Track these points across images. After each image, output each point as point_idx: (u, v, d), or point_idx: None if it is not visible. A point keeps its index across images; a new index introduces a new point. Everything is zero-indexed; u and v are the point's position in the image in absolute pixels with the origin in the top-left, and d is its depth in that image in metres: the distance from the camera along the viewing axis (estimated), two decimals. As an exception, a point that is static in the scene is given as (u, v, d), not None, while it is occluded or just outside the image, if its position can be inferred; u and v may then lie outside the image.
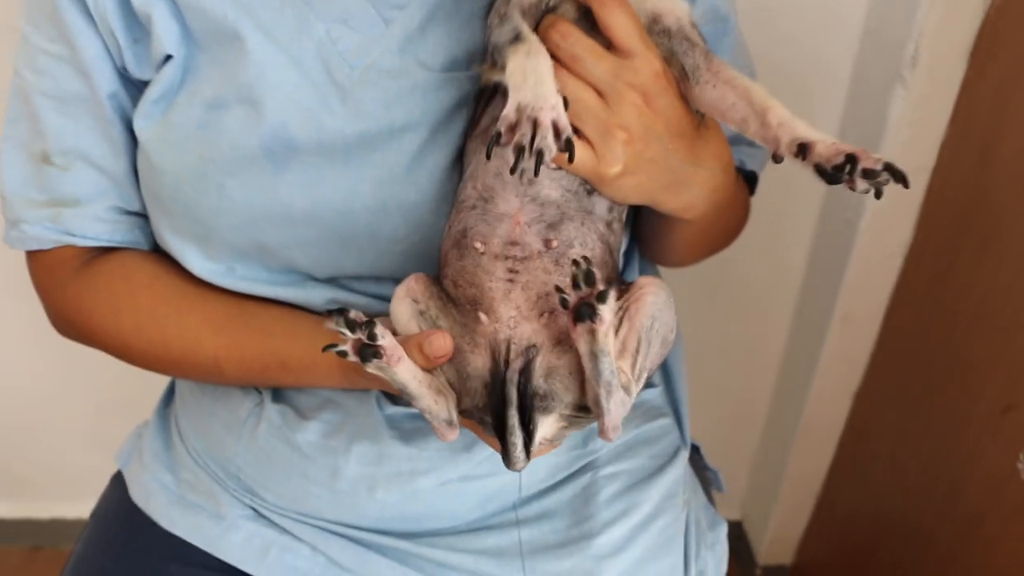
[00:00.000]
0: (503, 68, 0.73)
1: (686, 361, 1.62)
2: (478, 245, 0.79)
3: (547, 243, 0.79)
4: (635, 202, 0.83)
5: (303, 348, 0.89)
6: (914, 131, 1.35)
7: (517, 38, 0.74)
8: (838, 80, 1.43)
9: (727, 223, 1.02)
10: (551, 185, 0.80)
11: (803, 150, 0.70)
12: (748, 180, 1.10)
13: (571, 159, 0.70)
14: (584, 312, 0.73)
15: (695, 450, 1.21)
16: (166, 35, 0.83)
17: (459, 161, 0.86)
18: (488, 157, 0.68)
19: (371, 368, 0.75)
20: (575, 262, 0.73)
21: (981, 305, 1.31)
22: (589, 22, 0.77)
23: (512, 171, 0.68)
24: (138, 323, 0.92)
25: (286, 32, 0.84)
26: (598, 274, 0.73)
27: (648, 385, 1.11)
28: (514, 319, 0.80)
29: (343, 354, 0.74)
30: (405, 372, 0.77)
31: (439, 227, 0.86)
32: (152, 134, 0.86)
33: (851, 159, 0.68)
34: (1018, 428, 1.23)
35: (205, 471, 0.99)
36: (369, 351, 0.74)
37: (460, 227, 0.82)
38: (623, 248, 1.00)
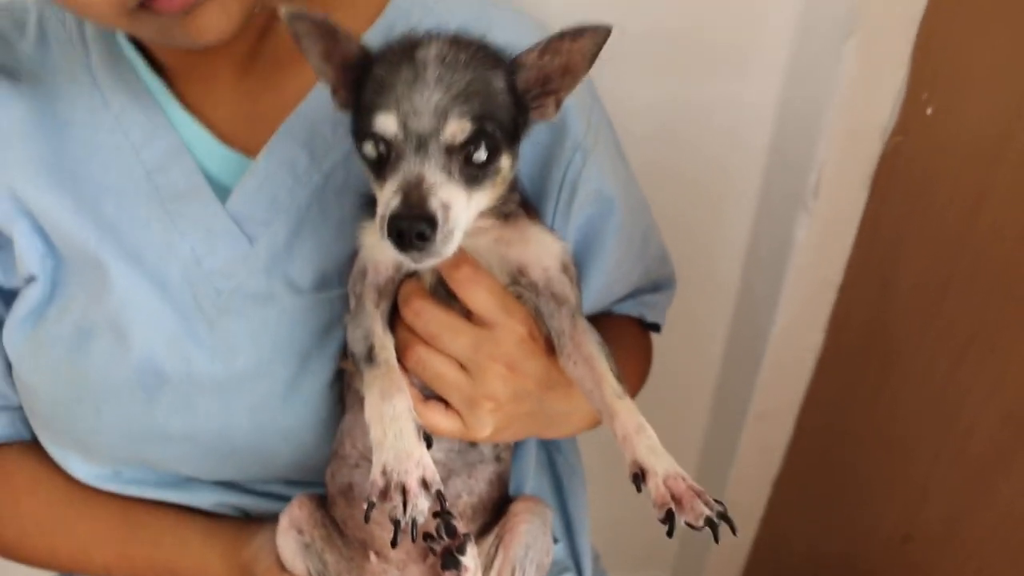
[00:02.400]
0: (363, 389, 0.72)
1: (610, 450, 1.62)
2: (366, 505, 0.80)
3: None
4: (516, 440, 0.84)
5: (193, 559, 0.89)
6: (819, 253, 1.35)
7: (371, 356, 0.73)
8: (747, 196, 1.43)
9: None
10: (435, 447, 0.80)
11: (638, 479, 0.70)
12: (652, 326, 1.10)
13: (443, 506, 0.69)
14: (448, 562, 0.76)
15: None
16: (28, 254, 0.81)
17: (338, 380, 0.85)
18: (366, 521, 0.67)
19: None
20: (435, 514, 0.74)
21: (881, 430, 1.32)
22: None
23: (393, 544, 0.67)
24: (21, 531, 0.90)
25: (152, 252, 0.82)
26: (458, 526, 0.74)
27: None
28: (403, 561, 0.83)
29: None
30: None
31: (320, 445, 0.86)
32: (23, 351, 0.84)
33: (670, 516, 0.67)
34: (915, 560, 1.25)
35: None
36: None
37: (345, 481, 0.83)
38: None
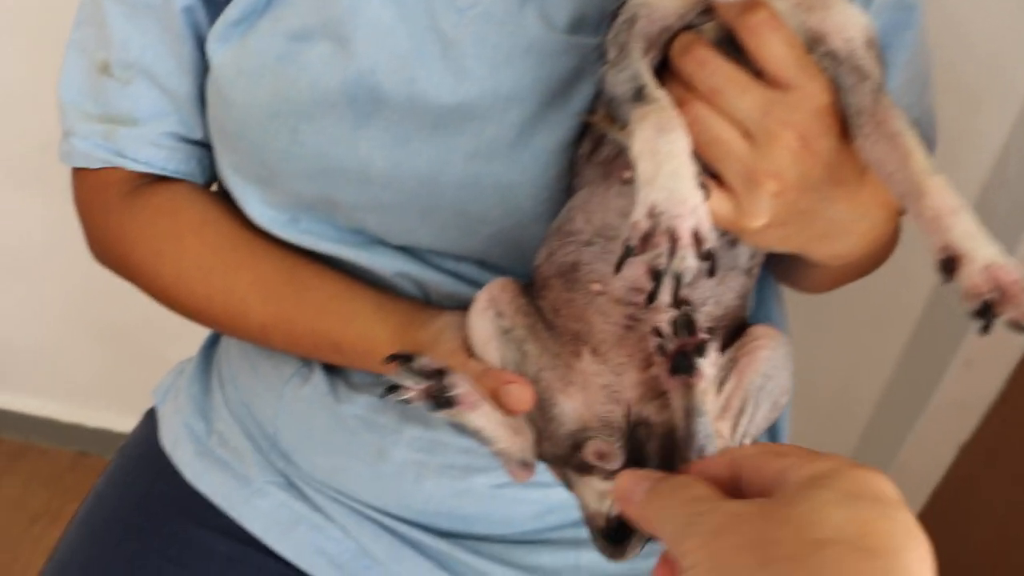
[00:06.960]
0: (626, 132, 0.61)
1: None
2: (596, 286, 0.70)
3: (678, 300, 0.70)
4: (778, 251, 0.71)
5: (357, 333, 0.80)
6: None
7: (640, 95, 0.61)
8: (1011, 96, 1.25)
9: (878, 258, 0.89)
10: None
11: (948, 266, 0.56)
12: None
13: (712, 272, 0.58)
14: (680, 364, 0.65)
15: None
16: None
17: (572, 146, 0.75)
18: (617, 271, 0.57)
19: (440, 415, 0.71)
20: (675, 303, 0.64)
21: None
22: (735, 44, 0.64)
23: (649, 301, 0.57)
24: (180, 270, 0.84)
25: None
26: (700, 321, 0.65)
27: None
28: (623, 365, 0.72)
29: (406, 402, 0.69)
30: (480, 418, 0.72)
31: (537, 213, 0.76)
32: (225, 59, 0.77)
33: (985, 310, 0.54)
34: None
35: (240, 426, 0.90)
36: (442, 400, 0.70)
37: (569, 259, 0.72)
38: None
